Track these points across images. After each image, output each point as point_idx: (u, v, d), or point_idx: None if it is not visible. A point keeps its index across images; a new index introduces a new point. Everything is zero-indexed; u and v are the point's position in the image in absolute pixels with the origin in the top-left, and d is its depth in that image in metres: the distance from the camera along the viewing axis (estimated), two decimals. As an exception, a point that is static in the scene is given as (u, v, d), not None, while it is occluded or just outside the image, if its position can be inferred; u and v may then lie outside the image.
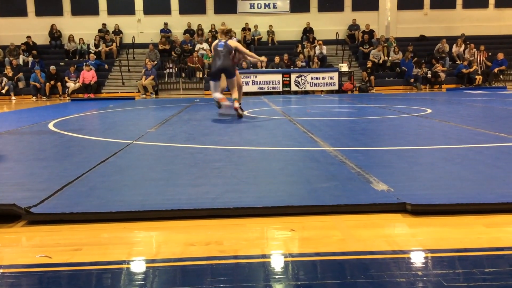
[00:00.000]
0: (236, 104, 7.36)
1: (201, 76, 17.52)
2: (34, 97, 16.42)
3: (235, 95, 7.49)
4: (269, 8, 20.85)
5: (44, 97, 16.48)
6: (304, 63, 17.66)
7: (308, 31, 20.04)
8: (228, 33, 7.53)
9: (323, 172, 3.41)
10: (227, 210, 2.56)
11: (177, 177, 3.35)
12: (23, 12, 20.02)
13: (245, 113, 7.44)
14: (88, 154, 4.49)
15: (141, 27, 20.50)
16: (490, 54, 18.29)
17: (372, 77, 16.95)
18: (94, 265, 1.96)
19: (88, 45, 19.14)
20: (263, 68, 16.14)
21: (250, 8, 20.83)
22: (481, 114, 7.80)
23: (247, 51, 7.81)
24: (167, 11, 20.50)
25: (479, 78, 17.21)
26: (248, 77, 15.72)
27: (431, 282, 1.72)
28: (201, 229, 2.36)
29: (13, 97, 16.68)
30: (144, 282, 1.78)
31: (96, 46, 19.03)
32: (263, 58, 7.40)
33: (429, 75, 17.22)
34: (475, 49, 18.24)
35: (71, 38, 19.08)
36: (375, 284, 1.71)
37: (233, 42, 7.53)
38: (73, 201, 2.76)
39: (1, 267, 1.97)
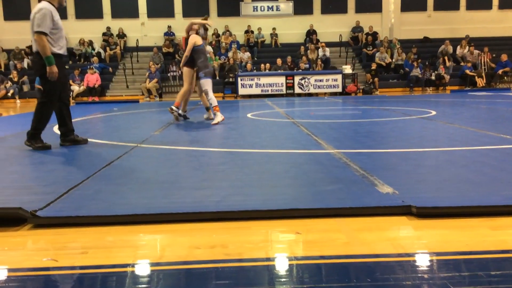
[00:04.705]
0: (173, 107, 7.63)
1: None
2: (38, 100, 16.51)
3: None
4: (272, 10, 20.89)
5: (49, 100, 16.55)
6: (307, 65, 17.66)
7: (311, 33, 20.06)
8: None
9: (328, 175, 3.41)
10: (231, 213, 2.56)
11: (182, 180, 3.36)
12: (27, 16, 20.02)
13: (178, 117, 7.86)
14: (93, 157, 4.50)
15: (145, 30, 20.58)
16: (494, 55, 18.26)
17: (376, 79, 16.94)
18: (99, 268, 1.97)
19: (92, 48, 19.24)
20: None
21: (253, 10, 20.87)
22: (486, 116, 7.77)
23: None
24: (170, 14, 20.58)
25: (479, 80, 17.16)
26: (252, 79, 15.74)
27: (437, 285, 1.71)
28: (205, 232, 2.36)
29: (18, 100, 16.76)
30: (149, 285, 1.79)
31: (97, 51, 19.12)
32: None
33: (433, 77, 17.20)
34: (479, 51, 18.20)
35: (81, 42, 19.18)
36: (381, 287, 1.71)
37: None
38: (78, 204, 2.77)
39: (8, 270, 1.98)
